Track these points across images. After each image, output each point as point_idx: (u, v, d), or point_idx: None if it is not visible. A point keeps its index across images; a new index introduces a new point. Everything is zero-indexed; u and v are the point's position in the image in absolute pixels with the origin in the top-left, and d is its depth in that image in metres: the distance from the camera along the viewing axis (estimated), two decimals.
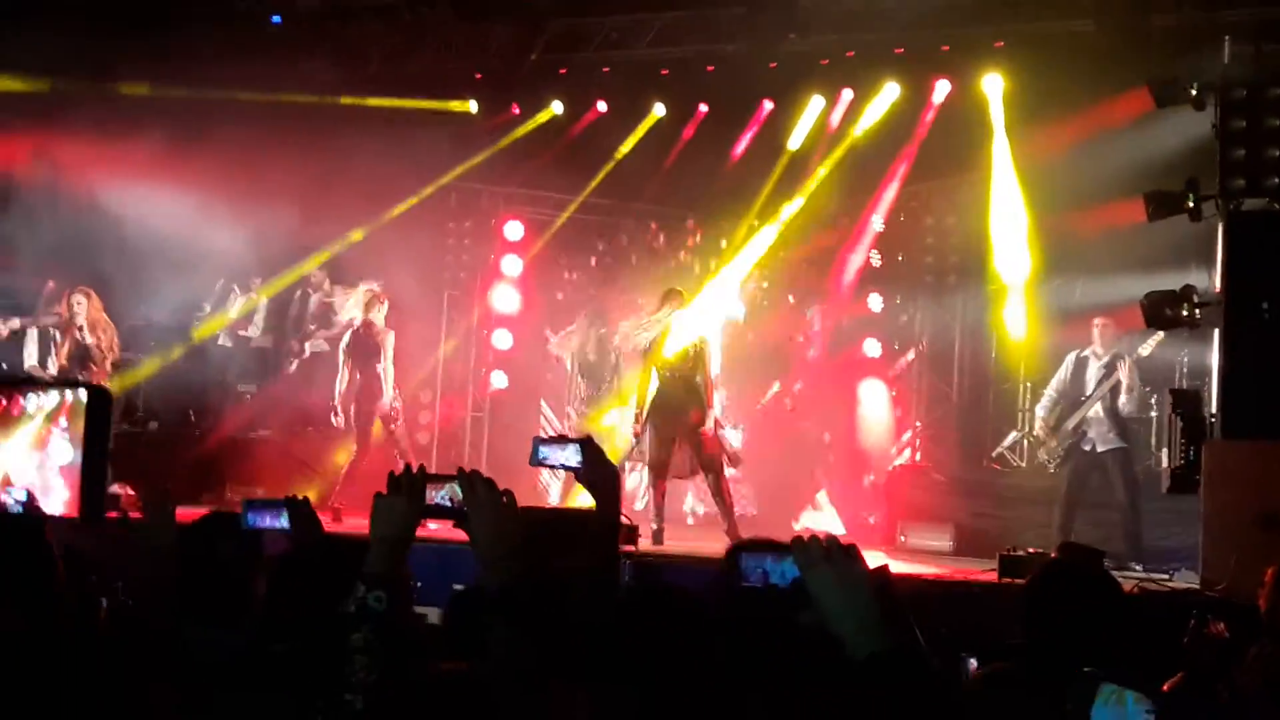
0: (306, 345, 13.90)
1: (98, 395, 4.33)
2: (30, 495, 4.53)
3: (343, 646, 2.79)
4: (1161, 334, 10.18)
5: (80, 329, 11.33)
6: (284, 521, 3.82)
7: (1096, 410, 10.45)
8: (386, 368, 11.58)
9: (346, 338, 11.67)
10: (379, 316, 11.70)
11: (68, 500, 4.50)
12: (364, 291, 11.71)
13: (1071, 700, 3.32)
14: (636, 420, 10.60)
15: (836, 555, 2.32)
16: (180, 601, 3.72)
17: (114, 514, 9.40)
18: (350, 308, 13.75)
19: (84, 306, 11.32)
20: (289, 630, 3.26)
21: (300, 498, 3.89)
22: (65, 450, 4.25)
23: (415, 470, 3.02)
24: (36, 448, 4.27)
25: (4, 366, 12.75)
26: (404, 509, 2.95)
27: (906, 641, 2.32)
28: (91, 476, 4.20)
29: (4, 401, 4.47)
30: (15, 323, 12.40)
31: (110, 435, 4.64)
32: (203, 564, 3.79)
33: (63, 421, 4.27)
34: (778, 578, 2.43)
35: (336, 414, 11.66)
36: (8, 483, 4.25)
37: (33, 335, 12.45)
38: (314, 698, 2.95)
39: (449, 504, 2.99)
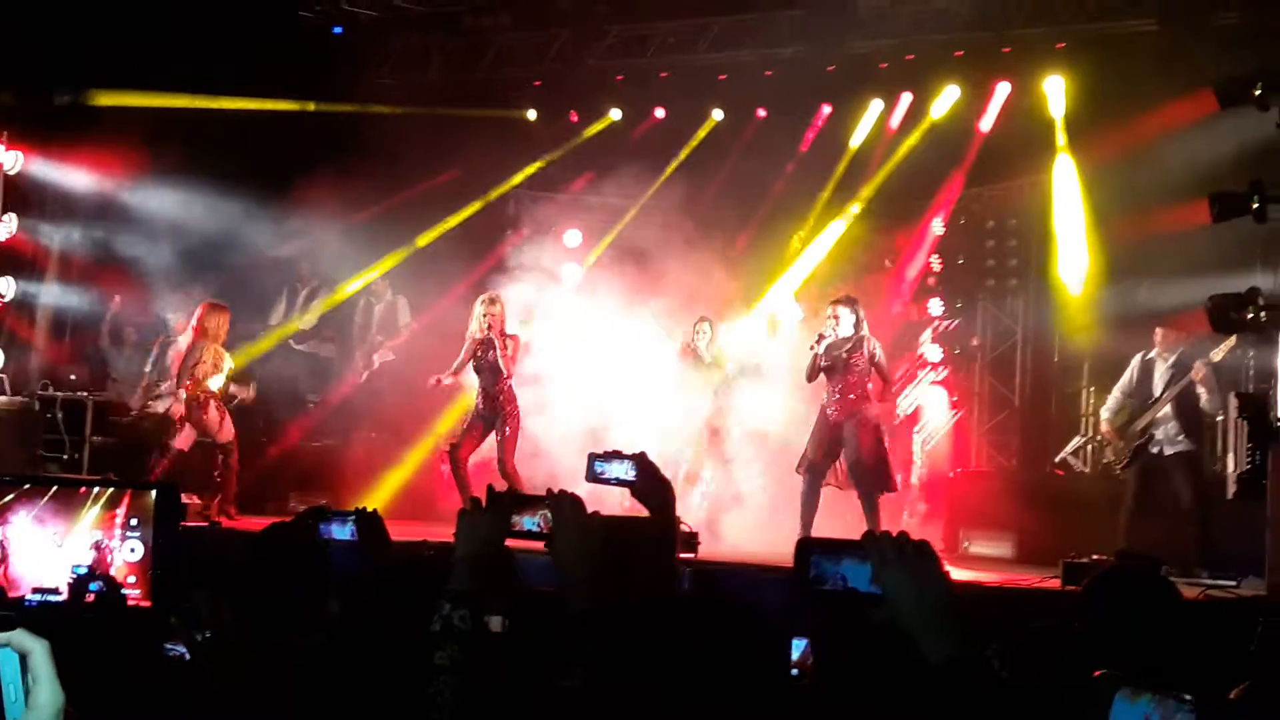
0: (375, 357, 13.83)
1: (166, 492, 4.41)
2: (110, 582, 4.53)
3: (427, 666, 2.72)
4: (1234, 339, 9.97)
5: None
6: (351, 533, 3.87)
7: (1165, 411, 10.26)
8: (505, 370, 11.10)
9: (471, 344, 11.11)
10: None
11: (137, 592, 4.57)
12: (487, 299, 11.20)
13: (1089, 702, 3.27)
14: None
15: (910, 553, 2.27)
16: (254, 608, 3.73)
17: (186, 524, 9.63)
18: (405, 313, 13.84)
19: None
20: (371, 651, 3.19)
21: (370, 510, 3.93)
22: (134, 545, 4.32)
23: (501, 490, 2.98)
24: (103, 534, 4.35)
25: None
26: (487, 528, 2.91)
27: (978, 649, 2.27)
28: (162, 571, 4.29)
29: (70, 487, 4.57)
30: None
31: (179, 532, 4.74)
32: (273, 572, 3.82)
33: (130, 517, 4.34)
34: (857, 581, 2.31)
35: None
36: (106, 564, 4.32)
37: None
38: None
39: (538, 529, 2.93)
